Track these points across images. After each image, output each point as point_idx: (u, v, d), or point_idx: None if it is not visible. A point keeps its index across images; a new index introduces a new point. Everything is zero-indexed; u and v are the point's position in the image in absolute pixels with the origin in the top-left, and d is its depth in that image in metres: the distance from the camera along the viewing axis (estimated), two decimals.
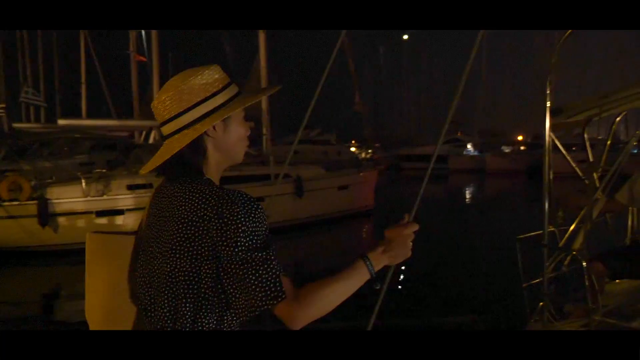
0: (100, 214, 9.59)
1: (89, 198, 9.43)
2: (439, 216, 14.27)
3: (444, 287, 7.30)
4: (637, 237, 3.66)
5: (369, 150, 24.52)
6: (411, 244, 1.35)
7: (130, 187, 9.79)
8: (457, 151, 34.42)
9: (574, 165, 3.75)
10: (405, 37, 51.35)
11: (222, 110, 1.31)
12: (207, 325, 1.24)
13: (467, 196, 21.83)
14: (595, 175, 3.63)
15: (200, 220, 1.21)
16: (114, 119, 13.78)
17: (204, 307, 1.23)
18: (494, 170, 29.66)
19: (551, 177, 3.28)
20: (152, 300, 1.29)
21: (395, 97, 58.89)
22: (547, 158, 3.24)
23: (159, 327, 1.27)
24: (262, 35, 12.89)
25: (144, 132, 13.13)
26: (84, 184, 9.35)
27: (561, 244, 3.43)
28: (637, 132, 3.55)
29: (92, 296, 1.47)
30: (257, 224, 1.21)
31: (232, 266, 1.18)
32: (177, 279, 1.23)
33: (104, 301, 1.45)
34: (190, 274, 1.22)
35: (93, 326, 1.46)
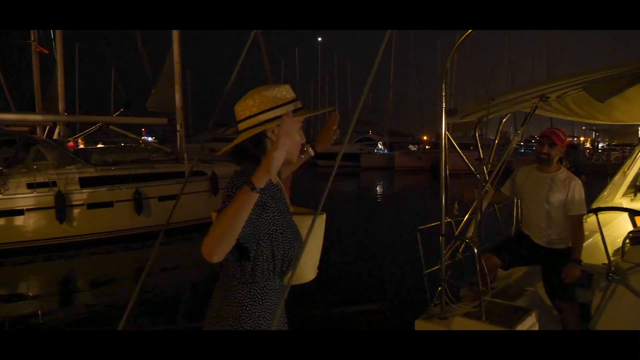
0: None
1: None
2: (350, 210, 14.78)
3: (353, 277, 7.55)
4: (520, 227, 3.95)
5: None
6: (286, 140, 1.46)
7: (31, 186, 9.15)
8: (368, 150, 35.62)
9: (467, 161, 4.10)
10: (320, 39, 52.93)
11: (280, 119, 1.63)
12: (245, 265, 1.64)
13: (377, 191, 22.66)
14: (485, 170, 3.99)
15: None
16: (13, 113, 12.72)
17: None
18: (402, 167, 31.13)
19: (448, 173, 3.43)
20: None
21: (310, 97, 59.47)
22: (443, 155, 3.41)
23: None
24: (175, 33, 12.56)
25: (47, 128, 12.27)
26: None
27: (457, 233, 3.62)
28: (519, 132, 3.94)
29: None
30: (229, 191, 1.56)
31: None
32: None
33: None
34: None
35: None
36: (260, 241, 1.61)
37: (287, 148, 1.47)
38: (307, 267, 1.91)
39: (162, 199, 10.44)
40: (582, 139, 48.12)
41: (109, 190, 9.99)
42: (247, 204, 1.42)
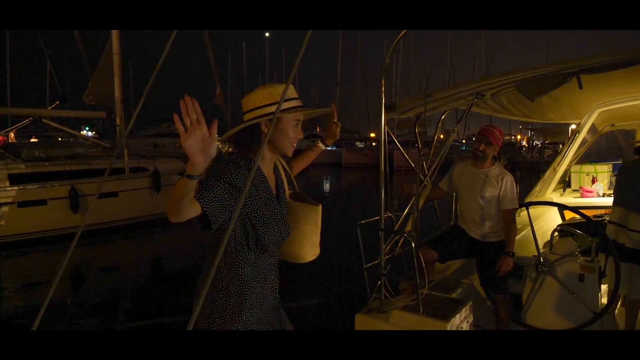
0: None
1: None
2: None
3: (296, 272, 7.50)
4: (457, 222, 4.02)
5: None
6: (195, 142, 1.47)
7: None
8: None
9: (406, 157, 4.16)
10: (267, 34, 52.92)
11: (271, 114, 1.83)
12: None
13: (324, 187, 22.80)
14: (425, 165, 4.07)
15: None
16: None
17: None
18: (349, 164, 31.51)
19: (387, 168, 3.47)
20: None
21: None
22: (382, 150, 3.45)
23: None
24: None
25: None
26: None
27: (396, 228, 3.65)
28: (455, 128, 4.04)
29: None
30: (205, 175, 1.69)
31: None
32: None
33: None
34: None
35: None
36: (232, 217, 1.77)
37: (195, 144, 1.47)
38: (305, 250, 2.19)
39: (100, 196, 10.01)
40: (519, 137, 50.29)
41: (41, 188, 9.48)
42: (181, 187, 1.51)
